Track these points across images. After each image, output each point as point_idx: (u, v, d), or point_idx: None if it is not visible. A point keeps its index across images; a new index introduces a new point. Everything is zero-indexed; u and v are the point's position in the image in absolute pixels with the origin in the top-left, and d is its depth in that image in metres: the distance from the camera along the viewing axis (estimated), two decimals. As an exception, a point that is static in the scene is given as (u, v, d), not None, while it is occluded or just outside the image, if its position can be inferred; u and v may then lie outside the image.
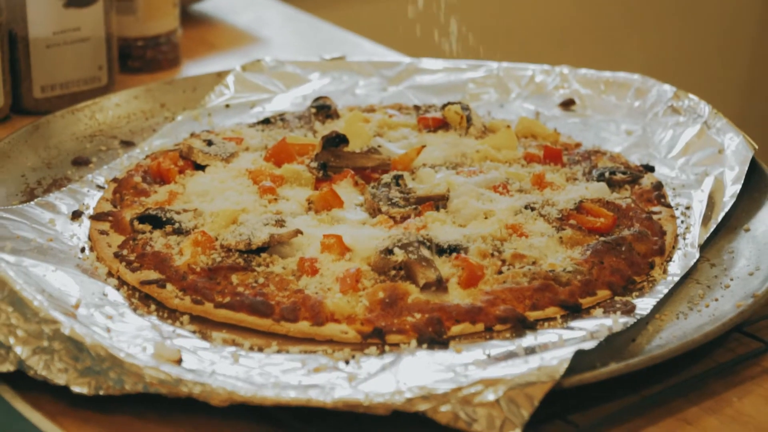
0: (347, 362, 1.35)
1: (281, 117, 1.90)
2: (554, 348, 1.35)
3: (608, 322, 1.41)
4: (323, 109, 1.89)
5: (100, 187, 1.74)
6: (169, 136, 1.90)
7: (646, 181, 1.73)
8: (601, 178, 1.72)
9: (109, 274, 1.52)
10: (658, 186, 1.71)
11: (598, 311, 1.45)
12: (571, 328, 1.41)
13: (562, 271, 1.49)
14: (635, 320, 1.41)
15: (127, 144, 1.90)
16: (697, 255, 1.56)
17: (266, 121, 1.89)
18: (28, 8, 2.02)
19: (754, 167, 1.73)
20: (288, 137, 1.76)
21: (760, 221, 1.65)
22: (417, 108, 1.94)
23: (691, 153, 1.81)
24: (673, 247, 1.59)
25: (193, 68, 2.34)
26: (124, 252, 1.54)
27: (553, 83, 2.05)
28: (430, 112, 1.91)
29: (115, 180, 1.73)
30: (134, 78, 2.27)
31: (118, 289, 1.49)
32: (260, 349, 1.38)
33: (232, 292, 1.45)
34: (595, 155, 1.80)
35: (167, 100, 2.02)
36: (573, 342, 1.36)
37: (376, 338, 1.39)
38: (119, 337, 1.36)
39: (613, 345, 1.36)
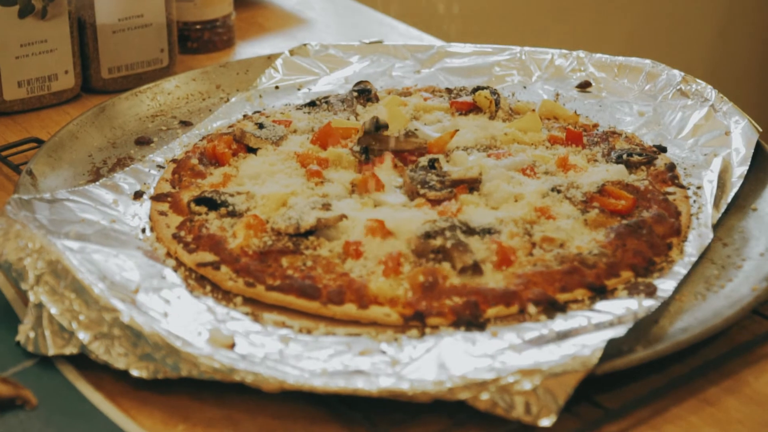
0: (390, 345, 1.20)
1: (326, 100, 1.74)
2: (585, 333, 1.19)
3: (633, 304, 1.26)
4: (364, 93, 1.73)
5: (160, 167, 1.58)
6: (224, 116, 1.74)
7: (660, 162, 1.56)
8: (619, 160, 1.55)
9: (168, 254, 1.37)
10: (672, 167, 1.55)
11: (623, 293, 1.29)
12: (599, 311, 1.25)
13: (588, 254, 1.33)
14: (658, 304, 1.25)
15: (186, 124, 1.74)
16: (711, 236, 1.40)
17: (312, 104, 1.73)
18: (95, -2, 1.86)
19: (758, 149, 1.56)
20: (333, 121, 1.60)
21: (765, 201, 1.48)
22: (449, 91, 1.78)
23: (700, 134, 1.64)
24: (688, 227, 1.43)
25: (246, 48, 2.18)
26: (182, 233, 1.39)
27: (570, 66, 1.88)
28: (462, 96, 1.74)
29: (174, 161, 1.57)
30: (193, 58, 2.12)
31: (175, 271, 1.33)
32: (309, 332, 1.23)
33: (282, 275, 1.29)
34: (612, 136, 1.63)
35: (222, 82, 1.86)
36: (602, 327, 1.20)
37: (417, 321, 1.24)
38: (176, 321, 1.22)
39: (637, 328, 1.21)
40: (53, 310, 1.20)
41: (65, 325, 1.19)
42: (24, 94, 1.83)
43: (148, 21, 1.92)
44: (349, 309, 1.25)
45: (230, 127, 1.67)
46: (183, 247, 1.36)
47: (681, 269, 1.34)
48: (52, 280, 1.23)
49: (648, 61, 1.83)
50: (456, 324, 1.23)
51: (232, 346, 1.18)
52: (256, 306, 1.27)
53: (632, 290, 1.29)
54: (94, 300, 1.19)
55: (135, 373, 1.15)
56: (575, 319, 1.24)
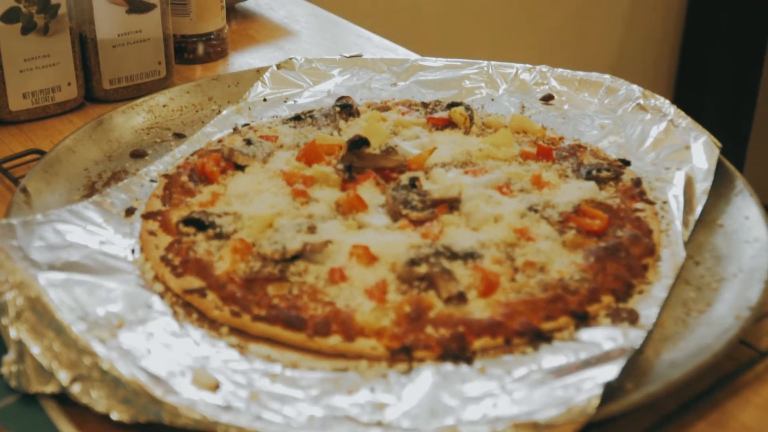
0: (378, 383, 0.92)
1: (310, 114, 1.44)
2: (575, 371, 0.91)
3: (617, 334, 0.98)
4: (346, 108, 1.43)
5: (153, 181, 1.28)
6: (216, 128, 1.43)
7: (626, 176, 1.28)
8: (589, 176, 1.27)
9: (156, 278, 1.07)
10: (638, 182, 1.26)
11: (605, 320, 1.01)
12: (584, 342, 0.97)
13: (570, 279, 1.05)
14: (644, 335, 0.98)
15: (179, 136, 1.43)
16: (684, 254, 1.12)
17: (297, 118, 1.43)
18: (95, 15, 1.54)
19: (718, 164, 1.28)
20: (317, 137, 1.30)
21: (731, 217, 1.20)
22: (425, 105, 1.48)
23: (660, 149, 1.36)
24: (659, 245, 1.15)
25: (238, 58, 1.87)
26: (170, 256, 1.09)
27: (534, 80, 1.59)
28: (437, 111, 1.45)
29: (166, 176, 1.27)
30: (190, 68, 1.81)
31: (162, 297, 1.04)
32: (295, 366, 0.94)
33: (268, 304, 1.00)
34: (579, 150, 1.35)
35: (214, 94, 1.55)
36: (591, 363, 0.93)
37: (403, 354, 0.95)
38: (159, 358, 0.92)
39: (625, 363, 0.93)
40: (33, 349, 0.91)
41: (45, 365, 0.90)
42: (29, 104, 1.52)
43: (146, 36, 1.61)
44: (335, 342, 0.96)
45: (220, 141, 1.37)
46: (171, 271, 1.06)
47: (659, 293, 1.06)
48: (33, 317, 0.93)
49: (607, 76, 1.54)
50: (443, 357, 0.95)
51: (216, 387, 0.89)
52: (242, 336, 0.99)
53: (615, 317, 1.01)
54: (73, 341, 0.90)
55: (115, 416, 0.86)
56: (562, 352, 0.96)
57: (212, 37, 1.83)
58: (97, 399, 0.87)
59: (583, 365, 0.92)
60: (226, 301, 1.01)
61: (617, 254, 1.09)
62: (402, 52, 1.84)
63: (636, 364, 0.94)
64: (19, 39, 1.47)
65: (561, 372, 0.91)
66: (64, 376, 0.89)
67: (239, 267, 1.05)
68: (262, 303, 1.00)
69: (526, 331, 0.97)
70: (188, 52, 1.81)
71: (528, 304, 1.00)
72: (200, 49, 1.81)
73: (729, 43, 3.57)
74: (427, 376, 0.92)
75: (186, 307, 1.02)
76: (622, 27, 3.60)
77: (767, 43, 3.52)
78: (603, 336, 0.98)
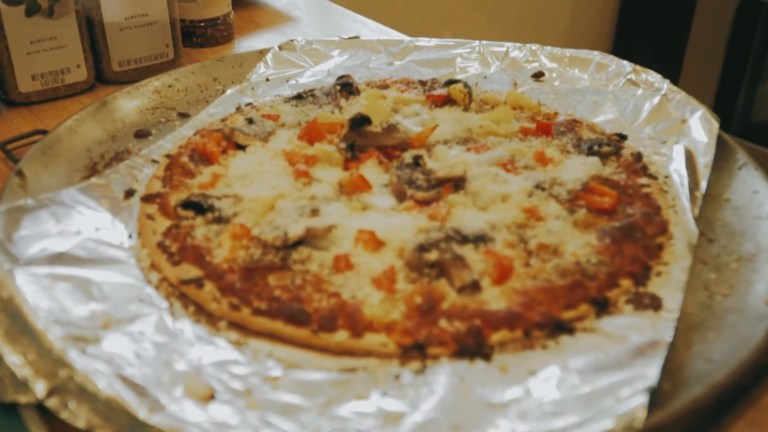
0: (391, 386, 0.66)
1: (311, 93, 1.17)
2: (607, 372, 0.66)
3: (642, 323, 0.73)
4: (346, 87, 1.16)
5: (155, 162, 1.01)
6: (220, 107, 1.16)
7: (626, 151, 1.02)
8: (591, 151, 1.01)
9: (152, 266, 0.81)
10: (639, 157, 1.00)
11: (627, 307, 0.76)
12: (610, 335, 0.72)
13: (587, 263, 0.79)
14: (672, 325, 0.72)
15: (184, 116, 1.16)
16: (697, 232, 0.87)
17: (299, 97, 1.16)
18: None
19: (717, 138, 1.02)
20: (319, 116, 1.04)
21: (736, 191, 0.95)
22: (422, 83, 1.21)
23: (655, 123, 1.10)
24: (669, 222, 0.89)
25: (244, 42, 1.59)
26: (167, 242, 0.83)
27: (524, 58, 1.32)
28: (435, 88, 1.18)
29: (168, 156, 1.00)
30: (198, 51, 1.53)
31: (157, 288, 0.78)
32: (298, 366, 0.69)
33: (269, 296, 0.74)
34: (576, 125, 1.09)
35: (219, 75, 1.28)
36: (623, 362, 0.67)
37: (416, 351, 0.70)
38: (149, 364, 0.67)
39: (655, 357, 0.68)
40: (7, 357, 0.65)
41: (18, 374, 0.64)
42: (39, 86, 1.25)
43: (153, 19, 1.33)
44: (342, 337, 0.70)
45: (223, 120, 1.10)
46: (167, 259, 0.80)
47: (678, 275, 0.80)
48: (6, 321, 0.67)
49: (596, 52, 1.28)
50: (459, 354, 0.70)
51: (210, 397, 0.64)
52: (242, 331, 0.73)
53: (637, 304, 0.76)
54: (47, 349, 0.64)
55: (97, 434, 0.61)
56: (587, 346, 0.71)
57: (219, 21, 1.55)
58: (77, 413, 0.61)
59: (615, 365, 0.67)
60: (225, 293, 0.75)
61: (633, 234, 0.83)
62: (395, 36, 1.57)
63: (668, 357, 0.69)
64: (24, 21, 1.19)
65: (590, 372, 0.66)
66: (40, 388, 0.63)
67: (239, 254, 0.79)
68: (262, 294, 0.74)
69: (546, 322, 0.72)
70: (197, 36, 1.53)
71: (546, 291, 0.75)
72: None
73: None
74: (442, 376, 0.67)
75: (183, 298, 0.77)
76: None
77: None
78: (627, 326, 0.73)
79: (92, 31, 1.29)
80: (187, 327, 0.72)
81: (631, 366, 0.66)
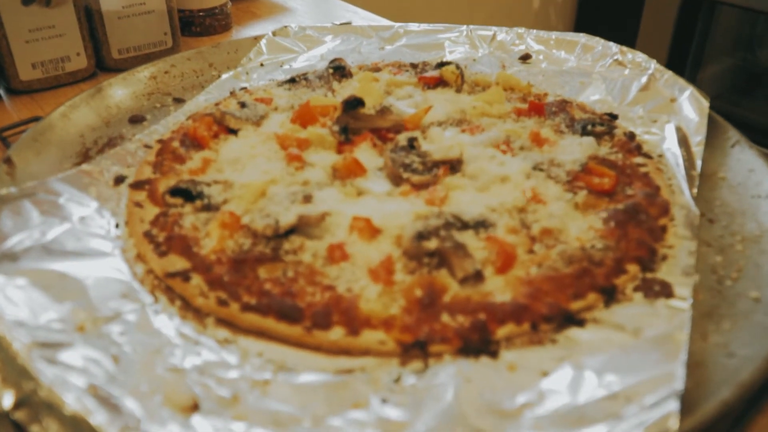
0: (391, 390, 0.51)
1: (304, 77, 1.01)
2: (626, 371, 0.52)
3: (654, 313, 0.58)
4: (339, 69, 1.00)
5: (148, 146, 0.86)
6: (215, 92, 1.01)
7: (618, 130, 0.87)
8: (585, 131, 0.86)
9: (138, 257, 0.66)
10: (632, 136, 0.86)
11: (636, 295, 0.61)
12: (620, 327, 0.58)
13: (592, 248, 0.65)
14: (687, 315, 0.58)
15: (179, 101, 1.01)
16: (698, 213, 0.72)
17: (292, 80, 1.00)
18: (98, -13, 1.10)
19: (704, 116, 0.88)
20: (311, 99, 0.88)
21: (731, 170, 0.80)
22: (414, 66, 1.06)
23: (644, 102, 0.95)
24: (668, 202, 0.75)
25: (241, 31, 1.43)
26: (154, 231, 0.68)
27: (511, 41, 1.16)
28: (426, 71, 1.02)
29: (160, 141, 0.85)
30: (196, 39, 1.36)
31: (142, 283, 0.63)
32: (291, 369, 0.54)
33: (260, 289, 0.59)
34: (567, 105, 0.94)
35: (215, 60, 1.12)
36: (642, 361, 0.53)
37: (417, 349, 0.55)
38: (127, 369, 0.52)
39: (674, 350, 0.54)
40: (-31, 365, 0.51)
41: (-18, 387, 0.49)
42: (39, 74, 1.09)
43: (150, 8, 1.17)
44: (338, 335, 0.56)
45: (216, 104, 0.94)
46: (154, 249, 0.65)
47: (684, 258, 0.66)
48: (-32, 326, 0.53)
49: (582, 35, 1.12)
50: (463, 351, 0.55)
51: (193, 407, 0.49)
52: (230, 328, 0.58)
53: (647, 291, 0.62)
54: (11, 358, 0.50)
55: (68, 453, 0.47)
56: (600, 341, 0.56)
57: (216, 11, 1.38)
58: (48, 427, 0.47)
59: (632, 364, 0.53)
60: (213, 286, 0.60)
61: (637, 217, 0.69)
62: (385, 23, 1.41)
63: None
64: (21, 10, 1.03)
65: (606, 372, 0.52)
66: (7, 399, 0.48)
67: (227, 245, 0.64)
68: (252, 288, 0.59)
69: (554, 314, 0.58)
70: (195, 25, 1.37)
71: (553, 280, 0.61)
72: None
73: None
74: (446, 377, 0.53)
75: (169, 292, 0.62)
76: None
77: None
78: (639, 316, 0.58)
79: (91, 19, 1.13)
80: (172, 325, 0.58)
81: (650, 365, 0.52)
